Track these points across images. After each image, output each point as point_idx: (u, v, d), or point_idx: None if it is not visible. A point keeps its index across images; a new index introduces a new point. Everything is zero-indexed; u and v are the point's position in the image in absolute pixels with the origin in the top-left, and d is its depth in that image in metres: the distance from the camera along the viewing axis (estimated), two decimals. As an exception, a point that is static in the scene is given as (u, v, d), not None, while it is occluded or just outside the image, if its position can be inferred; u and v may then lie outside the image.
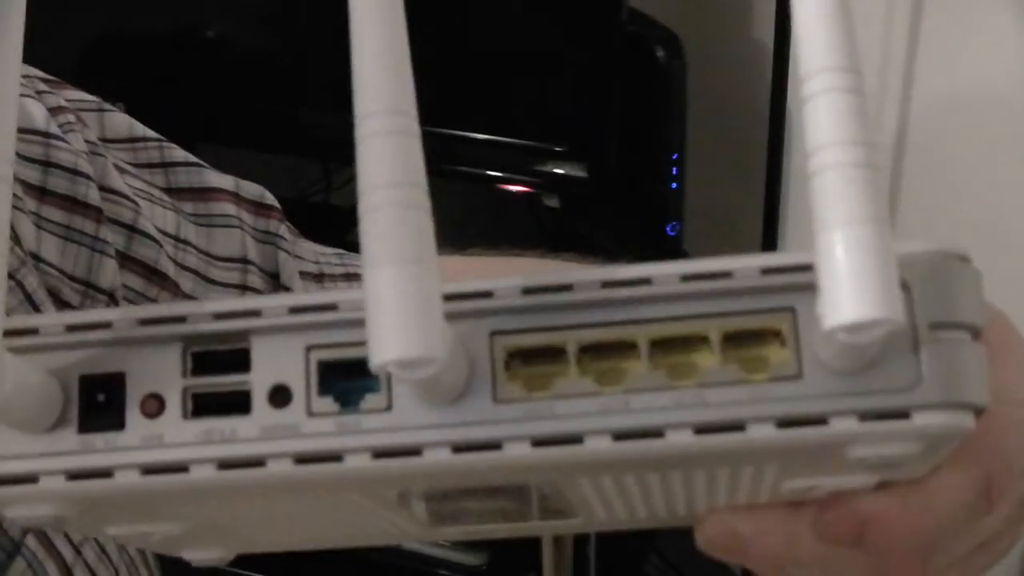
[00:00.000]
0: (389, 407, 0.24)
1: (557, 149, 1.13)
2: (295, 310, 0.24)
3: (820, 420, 0.23)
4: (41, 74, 0.48)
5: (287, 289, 0.53)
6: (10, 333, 0.25)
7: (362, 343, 0.22)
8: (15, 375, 0.23)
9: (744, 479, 0.27)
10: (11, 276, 0.41)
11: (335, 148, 1.06)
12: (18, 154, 0.44)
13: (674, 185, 1.17)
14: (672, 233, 1.17)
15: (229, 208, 0.52)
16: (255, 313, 0.24)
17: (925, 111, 1.19)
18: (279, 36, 1.25)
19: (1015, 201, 1.17)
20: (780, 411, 0.23)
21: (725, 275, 0.24)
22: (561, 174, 1.13)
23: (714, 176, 1.26)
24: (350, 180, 1.38)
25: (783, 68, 1.10)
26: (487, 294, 0.24)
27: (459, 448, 0.23)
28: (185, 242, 0.50)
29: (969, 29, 1.13)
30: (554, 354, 0.24)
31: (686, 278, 0.24)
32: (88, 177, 0.46)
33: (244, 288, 0.51)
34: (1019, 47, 1.11)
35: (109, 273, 0.46)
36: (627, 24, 1.09)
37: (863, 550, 0.28)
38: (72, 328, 0.25)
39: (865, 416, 0.23)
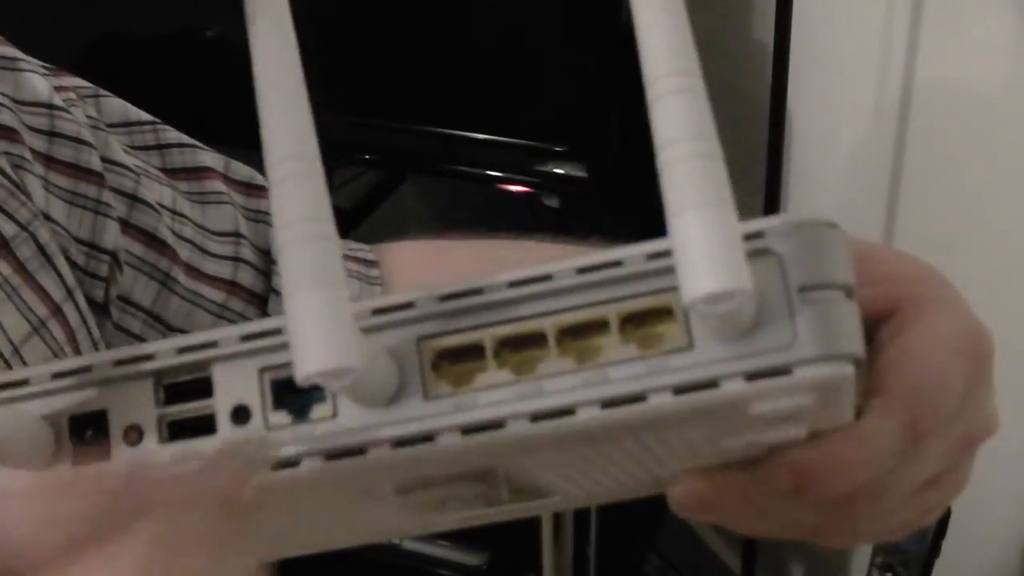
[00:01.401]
0: (335, 414, 0.26)
1: (557, 149, 1.13)
2: (246, 338, 0.27)
3: (712, 384, 0.25)
4: (39, 62, 0.49)
5: (275, 264, 0.54)
6: (2, 386, 0.28)
7: None
8: (2, 421, 0.26)
9: (678, 446, 0.29)
10: (24, 228, 0.44)
11: (333, 149, 1.06)
12: (25, 125, 0.46)
13: (674, 185, 1.17)
14: (672, 233, 1.17)
15: (220, 186, 0.53)
16: (212, 344, 0.27)
17: (925, 107, 1.19)
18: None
19: (1015, 197, 1.17)
20: (675, 380, 0.25)
21: (616, 264, 0.27)
22: (561, 174, 1.13)
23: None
24: (349, 181, 1.38)
25: (783, 68, 1.10)
26: (409, 305, 0.27)
27: (398, 444, 0.26)
28: (181, 215, 0.51)
29: (969, 25, 1.13)
30: (474, 351, 0.26)
31: (581, 271, 0.26)
32: (91, 145, 0.48)
33: (237, 260, 0.52)
34: (1019, 43, 1.11)
35: (111, 234, 0.48)
36: (627, 24, 1.08)
37: (809, 497, 0.30)
38: (57, 376, 0.28)
39: (751, 376, 0.25)
